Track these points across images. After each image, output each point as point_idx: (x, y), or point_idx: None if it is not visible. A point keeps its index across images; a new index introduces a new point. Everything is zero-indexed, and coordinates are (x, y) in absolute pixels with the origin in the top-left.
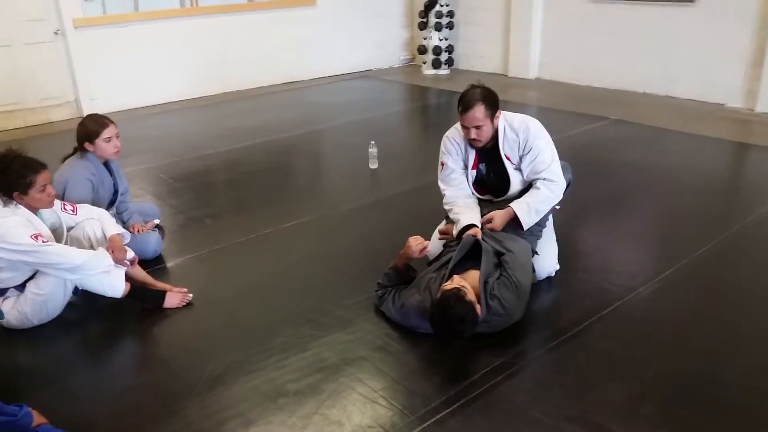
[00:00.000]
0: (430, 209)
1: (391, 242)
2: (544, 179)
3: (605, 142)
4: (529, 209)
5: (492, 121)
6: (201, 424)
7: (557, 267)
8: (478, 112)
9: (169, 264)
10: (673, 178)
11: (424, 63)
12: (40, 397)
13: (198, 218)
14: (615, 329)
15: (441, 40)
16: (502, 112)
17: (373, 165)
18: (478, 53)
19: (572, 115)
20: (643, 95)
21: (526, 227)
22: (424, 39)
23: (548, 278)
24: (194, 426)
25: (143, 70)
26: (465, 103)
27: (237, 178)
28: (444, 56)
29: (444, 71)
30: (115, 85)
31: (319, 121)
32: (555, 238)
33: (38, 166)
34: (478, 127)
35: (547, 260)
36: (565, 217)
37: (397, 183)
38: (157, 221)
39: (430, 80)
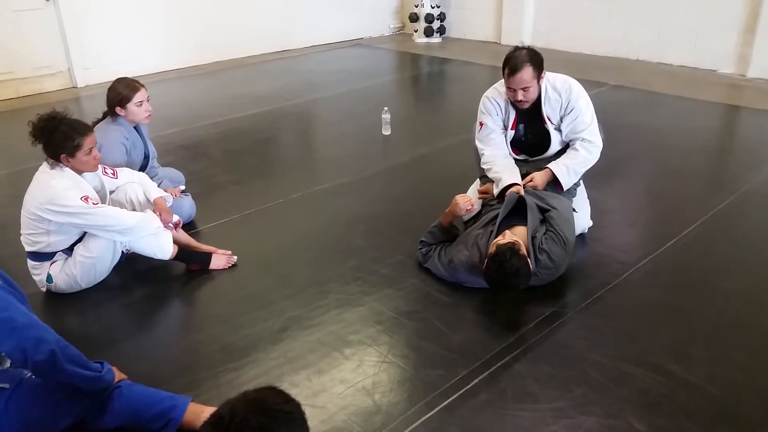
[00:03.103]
0: (452, 172)
1: (420, 204)
2: (583, 140)
3: (609, 106)
4: (568, 171)
5: (539, 82)
6: (274, 372)
7: (590, 223)
8: (527, 74)
9: (202, 228)
10: (678, 140)
11: (416, 31)
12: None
13: (222, 184)
14: (653, 279)
15: (433, 7)
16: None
17: (386, 131)
18: (470, 21)
19: None
20: (637, 62)
21: (565, 188)
22: (416, 6)
23: (581, 234)
24: (268, 375)
25: (137, 39)
26: (513, 65)
27: (252, 145)
28: (436, 24)
29: (436, 39)
30: (108, 54)
31: (319, 89)
32: (587, 195)
33: (85, 129)
34: (525, 89)
35: (582, 217)
36: (586, 178)
37: (411, 148)
38: (182, 187)
39: (422, 48)
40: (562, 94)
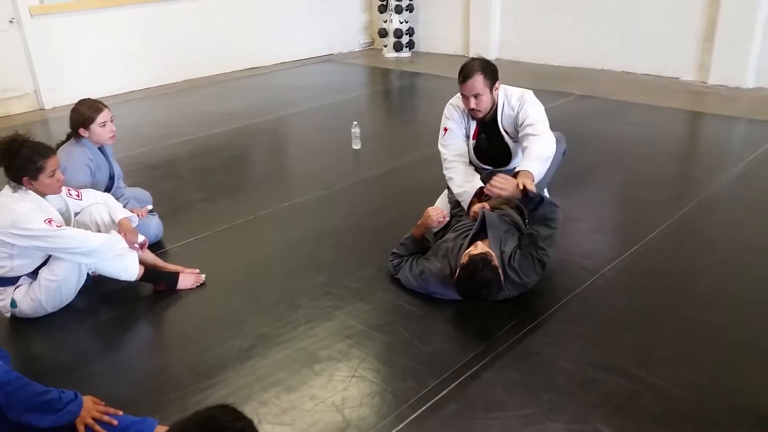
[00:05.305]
0: (422, 185)
1: (390, 218)
2: (532, 134)
3: (575, 116)
4: (532, 161)
5: (491, 91)
6: (243, 391)
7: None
8: (478, 81)
9: (171, 247)
10: (642, 147)
11: (385, 46)
12: (68, 382)
13: (190, 203)
14: (617, 284)
15: (402, 22)
16: (503, 86)
17: (356, 145)
18: (439, 35)
19: (539, 93)
20: (602, 71)
21: (538, 178)
22: (384, 22)
23: None
24: (237, 394)
25: (103, 60)
26: (465, 73)
27: (221, 162)
28: (405, 39)
29: (405, 54)
30: (75, 76)
31: (290, 105)
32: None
33: (48, 151)
34: (476, 96)
35: None
36: (552, 186)
37: (381, 162)
38: (150, 207)
39: (392, 63)
40: (515, 107)
